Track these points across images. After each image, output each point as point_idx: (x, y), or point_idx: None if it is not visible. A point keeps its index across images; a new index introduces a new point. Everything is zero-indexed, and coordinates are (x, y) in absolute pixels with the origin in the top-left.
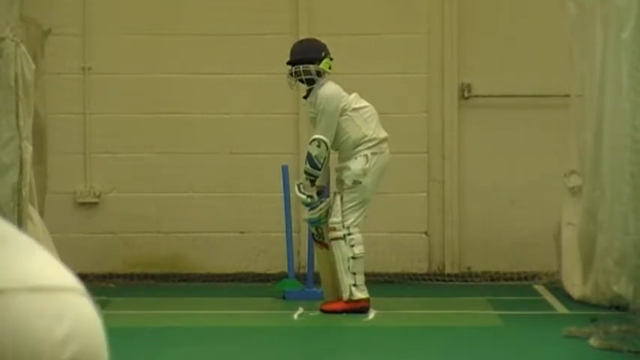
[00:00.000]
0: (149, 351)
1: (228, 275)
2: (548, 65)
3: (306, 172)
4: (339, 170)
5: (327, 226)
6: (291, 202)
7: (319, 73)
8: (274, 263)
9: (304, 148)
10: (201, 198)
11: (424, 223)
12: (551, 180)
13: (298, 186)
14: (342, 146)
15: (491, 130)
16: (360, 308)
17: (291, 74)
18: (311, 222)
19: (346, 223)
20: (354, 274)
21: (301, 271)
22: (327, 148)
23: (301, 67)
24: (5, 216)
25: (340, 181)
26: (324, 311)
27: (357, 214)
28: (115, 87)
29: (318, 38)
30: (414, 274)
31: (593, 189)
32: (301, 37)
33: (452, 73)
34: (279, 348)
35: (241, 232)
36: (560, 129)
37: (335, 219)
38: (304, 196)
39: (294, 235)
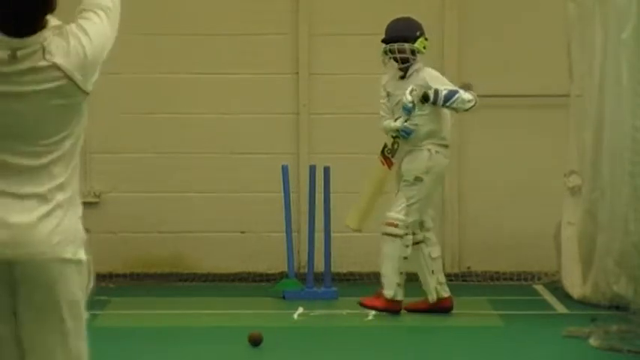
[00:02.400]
0: (149, 351)
1: (228, 275)
2: (548, 65)
3: (436, 93)
4: (402, 163)
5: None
6: (291, 202)
7: (413, 52)
8: (274, 263)
9: (304, 148)
10: (201, 198)
11: None
12: (551, 180)
13: (412, 90)
14: (417, 132)
15: (491, 130)
16: (397, 310)
17: (385, 52)
18: (404, 132)
19: (408, 221)
20: (401, 274)
21: (301, 271)
22: (471, 107)
23: (396, 45)
24: None
25: (400, 176)
26: (363, 306)
27: (418, 213)
28: (115, 87)
29: (412, 18)
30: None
31: (593, 189)
32: (301, 37)
33: (452, 73)
34: (279, 348)
35: (241, 232)
36: (560, 129)
37: (397, 215)
38: (409, 99)
39: (294, 235)
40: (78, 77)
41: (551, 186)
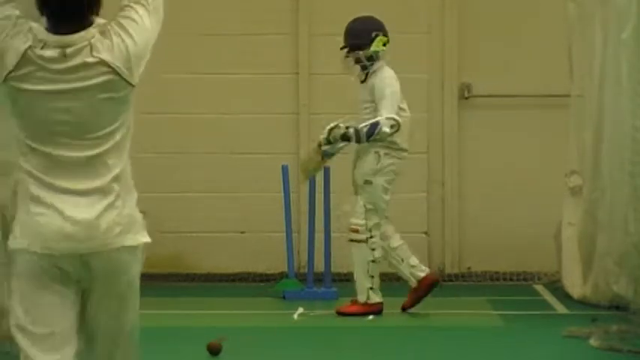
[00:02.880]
0: (149, 351)
1: (228, 275)
2: (549, 65)
3: (357, 132)
4: (354, 165)
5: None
6: (291, 202)
7: (371, 57)
8: (274, 263)
9: (304, 148)
10: (201, 198)
11: (424, 223)
12: (552, 180)
13: (332, 127)
14: None
15: (491, 130)
16: (375, 311)
17: (346, 57)
18: (326, 153)
19: (368, 225)
20: (372, 277)
21: (301, 271)
22: (394, 133)
23: (351, 54)
24: (6, 217)
25: (354, 180)
26: (339, 314)
27: (377, 215)
28: None
29: (370, 15)
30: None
31: (593, 189)
32: (301, 37)
33: (452, 73)
34: (279, 348)
35: (241, 232)
36: (560, 129)
37: (357, 220)
38: (328, 146)
39: (294, 235)
40: (124, 71)
41: (551, 186)
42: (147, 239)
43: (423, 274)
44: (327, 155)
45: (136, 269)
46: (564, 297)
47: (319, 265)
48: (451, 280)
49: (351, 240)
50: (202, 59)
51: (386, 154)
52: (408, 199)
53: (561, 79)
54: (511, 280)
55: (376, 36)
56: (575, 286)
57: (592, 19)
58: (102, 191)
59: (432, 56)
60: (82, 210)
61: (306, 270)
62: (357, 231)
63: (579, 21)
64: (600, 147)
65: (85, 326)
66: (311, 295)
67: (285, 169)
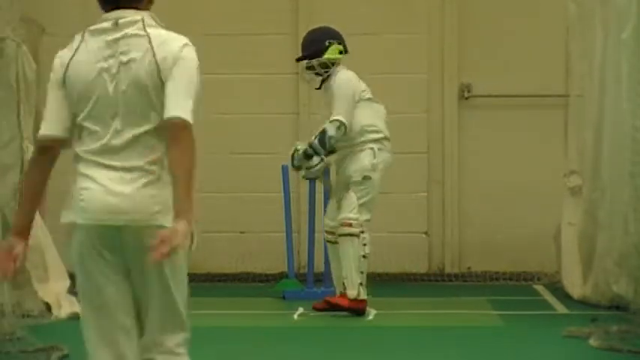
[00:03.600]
0: None
1: (228, 275)
2: (548, 65)
3: (311, 146)
4: (343, 165)
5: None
6: (291, 202)
7: (325, 65)
8: (274, 263)
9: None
10: (201, 198)
11: (424, 223)
12: (551, 180)
13: (294, 151)
14: (349, 134)
15: (491, 130)
16: (361, 309)
17: (305, 68)
18: (308, 178)
19: (361, 220)
20: (362, 273)
21: (301, 271)
22: (344, 133)
23: (305, 63)
24: (6, 216)
25: (347, 177)
26: (328, 303)
27: (369, 211)
28: None
29: (325, 25)
30: (414, 274)
31: (593, 189)
32: (301, 37)
33: (452, 73)
34: (279, 348)
35: (241, 232)
36: (560, 129)
37: (351, 214)
38: (303, 171)
39: (294, 235)
40: (159, 57)
41: (551, 186)
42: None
43: (364, 297)
44: (311, 177)
45: (177, 251)
46: (564, 297)
47: (319, 265)
48: (451, 280)
49: (343, 234)
50: (202, 59)
51: (380, 149)
52: (408, 199)
53: (561, 80)
54: (511, 280)
55: (330, 44)
56: (575, 286)
57: (592, 19)
58: (142, 170)
59: (432, 56)
60: (124, 185)
61: (306, 270)
62: (350, 225)
63: (579, 21)
64: (600, 147)
65: (132, 297)
66: (311, 295)
67: (285, 169)
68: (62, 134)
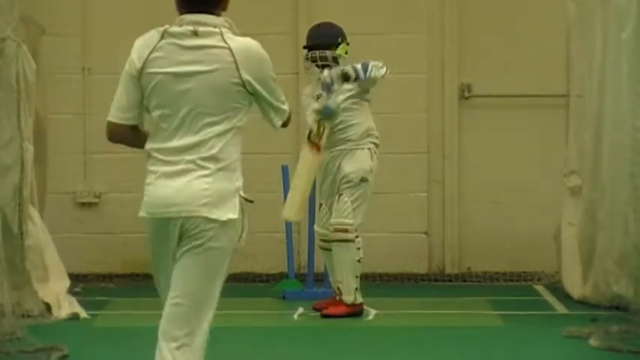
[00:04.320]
0: (149, 351)
1: (228, 275)
2: (549, 65)
3: (354, 69)
4: (337, 164)
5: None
6: None
7: (335, 59)
8: (274, 263)
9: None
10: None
11: (424, 223)
12: (552, 180)
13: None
14: (349, 130)
15: (491, 130)
16: (359, 311)
17: (307, 58)
18: (327, 110)
19: (356, 224)
20: (356, 277)
21: (301, 271)
22: (385, 74)
23: (317, 52)
24: (6, 216)
25: (342, 177)
26: (325, 316)
27: (363, 214)
28: (115, 87)
29: (334, 22)
30: (414, 274)
31: (593, 189)
32: (301, 37)
33: (452, 73)
34: (279, 348)
35: None
36: (560, 129)
37: (346, 220)
38: (326, 75)
39: (294, 235)
40: (242, 68)
41: (551, 186)
42: (234, 216)
43: (360, 300)
44: (328, 114)
45: (222, 242)
46: (564, 297)
47: (319, 265)
48: (451, 280)
49: (339, 240)
50: None
51: (374, 152)
52: (408, 199)
53: (561, 80)
54: (511, 280)
55: (342, 41)
56: (575, 287)
57: (592, 19)
58: (197, 164)
59: (432, 56)
60: (177, 179)
61: (306, 270)
62: (345, 230)
63: (579, 21)
64: (600, 147)
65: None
66: (311, 295)
67: (285, 169)
68: (125, 122)
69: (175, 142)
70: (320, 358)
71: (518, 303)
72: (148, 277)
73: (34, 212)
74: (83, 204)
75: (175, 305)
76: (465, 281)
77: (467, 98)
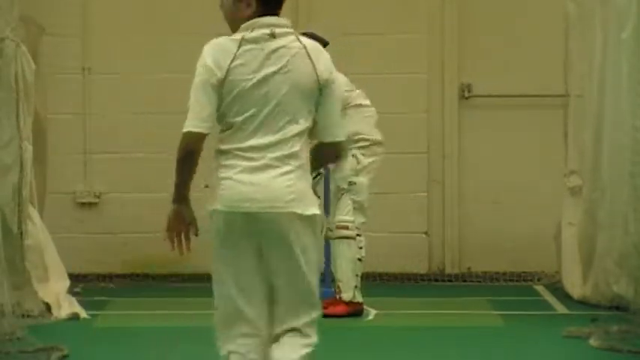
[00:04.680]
0: (149, 351)
1: None
2: (549, 65)
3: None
4: (332, 172)
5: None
6: None
7: None
8: None
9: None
10: (202, 198)
11: (424, 223)
12: (552, 180)
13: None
14: None
15: (491, 130)
16: (358, 310)
17: None
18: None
19: (357, 223)
20: (357, 275)
21: None
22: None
23: None
24: (6, 216)
25: (336, 186)
26: (325, 316)
27: (364, 214)
28: (115, 87)
29: (314, 32)
30: (414, 274)
31: (593, 189)
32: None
33: (452, 73)
34: None
35: None
36: (560, 129)
37: (346, 217)
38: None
39: None
40: (319, 67)
41: (551, 186)
42: (317, 212)
43: (360, 299)
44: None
45: (308, 235)
46: (564, 297)
47: (319, 265)
48: (451, 280)
49: (340, 237)
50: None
51: (362, 154)
52: (408, 199)
53: (561, 80)
54: (511, 280)
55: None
56: (575, 287)
57: (592, 19)
58: (280, 161)
59: (432, 56)
60: (260, 175)
61: None
62: (346, 227)
63: (579, 21)
64: (600, 147)
65: (265, 281)
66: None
67: None
68: (207, 131)
69: (255, 141)
70: (320, 358)
71: (518, 303)
72: (148, 277)
73: (33, 212)
74: (83, 204)
75: (281, 304)
76: (465, 281)
77: (467, 98)
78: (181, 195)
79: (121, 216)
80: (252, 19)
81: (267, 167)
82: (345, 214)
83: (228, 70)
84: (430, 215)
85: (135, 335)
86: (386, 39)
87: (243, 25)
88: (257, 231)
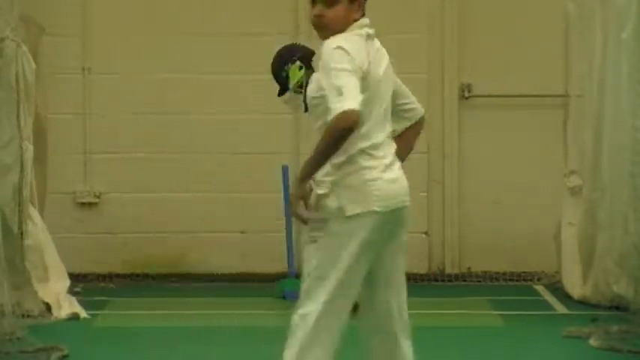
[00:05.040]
0: (149, 351)
1: (228, 275)
2: (549, 65)
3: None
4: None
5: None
6: None
7: (300, 86)
8: (274, 263)
9: (304, 148)
10: (201, 198)
11: (424, 223)
12: (552, 180)
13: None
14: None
15: (491, 130)
16: (354, 308)
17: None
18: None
19: None
20: None
21: (301, 271)
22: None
23: (285, 97)
24: (6, 216)
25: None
26: None
27: None
28: (115, 87)
29: (278, 49)
30: (414, 274)
31: (593, 189)
32: (301, 37)
33: (452, 73)
34: (279, 348)
35: (241, 232)
36: (560, 129)
37: None
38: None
39: (294, 235)
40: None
41: (551, 186)
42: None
43: None
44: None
45: None
46: (564, 297)
47: None
48: (451, 280)
49: None
50: (202, 59)
51: None
52: None
53: (561, 80)
54: (511, 280)
55: (289, 67)
56: (575, 286)
57: (592, 19)
58: (394, 156)
59: (432, 56)
60: (396, 170)
61: None
62: None
63: (579, 21)
64: (600, 147)
65: (372, 274)
66: None
67: (285, 169)
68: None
69: (380, 138)
70: None
71: (518, 303)
72: (148, 277)
73: (34, 212)
74: (83, 204)
75: (393, 286)
76: (465, 281)
77: (467, 98)
78: (312, 175)
79: (121, 216)
80: (357, 21)
81: (393, 163)
82: None
83: (368, 65)
84: (430, 215)
85: (135, 335)
86: (386, 39)
87: (355, 25)
88: (396, 226)
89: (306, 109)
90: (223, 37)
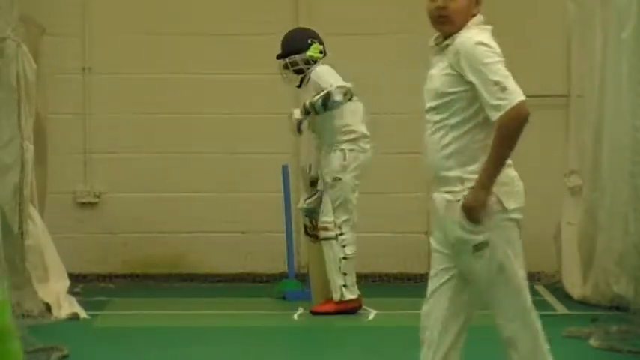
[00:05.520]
0: (149, 351)
1: (228, 275)
2: (548, 65)
3: (312, 105)
4: (320, 166)
5: (318, 223)
6: (291, 202)
7: (307, 62)
8: (274, 263)
9: (304, 148)
10: (201, 198)
11: (424, 223)
12: (551, 180)
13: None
14: (323, 134)
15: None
16: (350, 309)
17: (285, 67)
18: (306, 211)
19: (337, 222)
20: (345, 274)
21: (301, 271)
22: (350, 99)
23: (287, 59)
24: (7, 216)
25: (321, 178)
26: (314, 313)
27: (346, 212)
28: (115, 87)
29: (304, 27)
30: (414, 274)
31: (593, 189)
32: None
33: None
34: (279, 348)
35: (241, 232)
36: (560, 129)
37: (326, 218)
38: (298, 117)
39: (294, 235)
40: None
41: (551, 186)
42: None
43: (351, 297)
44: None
45: None
46: (564, 297)
47: None
48: None
49: (323, 239)
50: (202, 59)
51: (351, 150)
52: (408, 199)
53: (561, 80)
54: None
55: (312, 42)
56: (575, 286)
57: (592, 19)
58: None
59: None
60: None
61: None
62: (326, 229)
63: (579, 21)
64: (600, 147)
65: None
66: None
67: (285, 169)
68: None
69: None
70: (320, 358)
71: None
72: (148, 277)
73: (34, 212)
74: (83, 204)
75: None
76: None
77: None
78: (496, 178)
79: (121, 216)
80: (474, 16)
81: None
82: (325, 214)
83: None
84: (430, 215)
85: (135, 335)
86: (386, 39)
87: (474, 20)
88: None
89: (300, 86)
90: (223, 37)
